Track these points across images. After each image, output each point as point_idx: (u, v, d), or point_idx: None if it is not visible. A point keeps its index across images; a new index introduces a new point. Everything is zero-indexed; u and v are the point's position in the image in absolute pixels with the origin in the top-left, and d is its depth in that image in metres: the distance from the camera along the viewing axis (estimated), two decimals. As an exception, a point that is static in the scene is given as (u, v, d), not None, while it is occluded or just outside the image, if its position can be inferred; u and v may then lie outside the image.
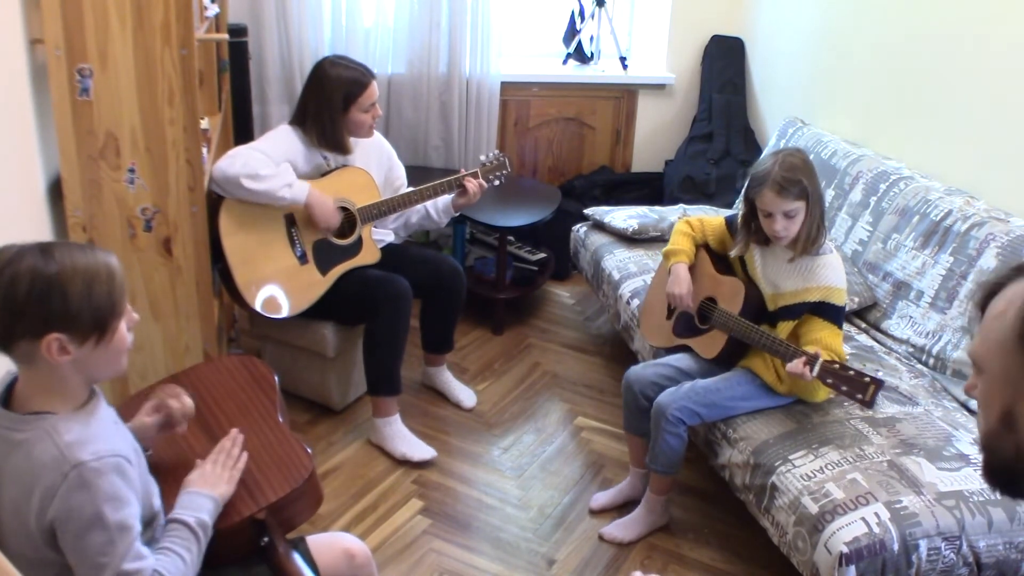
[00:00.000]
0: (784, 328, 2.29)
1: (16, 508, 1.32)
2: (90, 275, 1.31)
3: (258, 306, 2.62)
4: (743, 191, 2.32)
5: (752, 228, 2.34)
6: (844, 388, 2.03)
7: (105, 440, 1.35)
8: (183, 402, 1.62)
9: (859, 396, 2.01)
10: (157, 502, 1.49)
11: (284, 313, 2.66)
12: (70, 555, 1.32)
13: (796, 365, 2.11)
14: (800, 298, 2.27)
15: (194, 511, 1.48)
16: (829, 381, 2.06)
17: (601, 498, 2.61)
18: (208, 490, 1.53)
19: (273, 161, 2.57)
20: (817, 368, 2.07)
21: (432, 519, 2.53)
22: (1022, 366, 0.92)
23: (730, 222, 2.51)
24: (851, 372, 2.03)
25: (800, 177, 2.19)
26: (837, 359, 2.23)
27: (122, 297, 1.36)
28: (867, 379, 2.00)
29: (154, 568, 1.35)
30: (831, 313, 2.25)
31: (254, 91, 3.52)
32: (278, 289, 2.65)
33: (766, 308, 2.35)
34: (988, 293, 0.99)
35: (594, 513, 2.58)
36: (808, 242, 2.25)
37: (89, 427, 1.34)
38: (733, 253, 2.43)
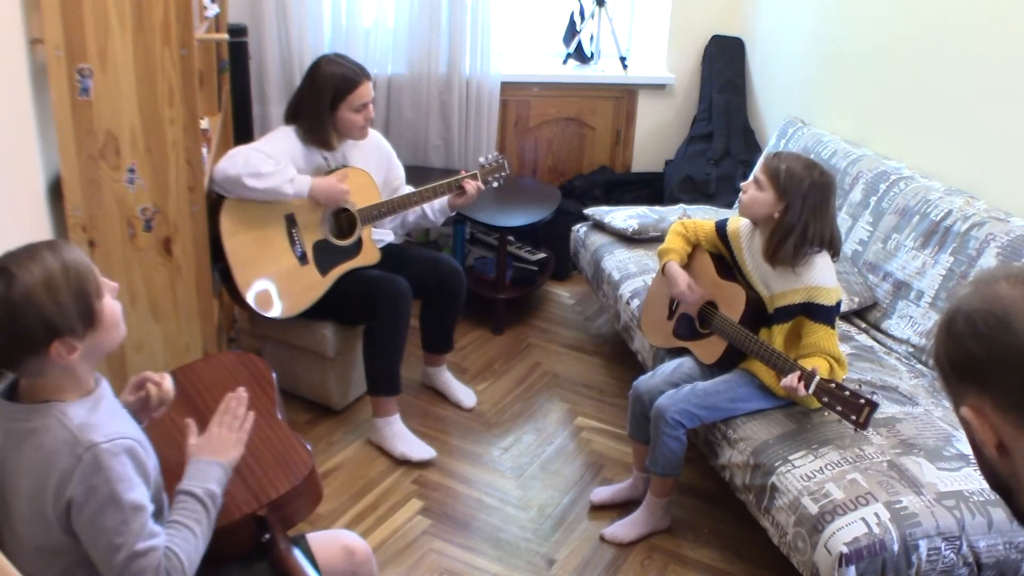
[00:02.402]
0: (779, 331, 2.28)
1: (32, 496, 1.34)
2: (50, 279, 1.29)
3: (257, 306, 2.62)
4: None
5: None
6: (839, 408, 2.02)
7: (115, 423, 1.37)
8: (162, 387, 1.58)
9: (853, 417, 1.99)
10: (163, 493, 1.50)
11: (283, 313, 2.66)
12: (84, 536, 1.33)
13: (791, 380, 2.09)
14: (788, 299, 2.26)
15: (202, 481, 1.48)
16: (825, 400, 2.05)
17: (602, 492, 2.61)
18: (216, 457, 1.52)
19: (273, 159, 2.57)
20: (813, 387, 2.06)
21: (432, 519, 2.54)
22: (951, 392, 0.94)
23: (719, 227, 2.51)
24: (847, 393, 2.01)
25: (783, 166, 2.20)
26: (835, 362, 2.22)
27: (93, 279, 1.35)
28: (862, 401, 1.98)
29: (166, 545, 1.37)
30: (821, 314, 2.23)
31: (254, 91, 3.52)
32: (278, 290, 2.65)
33: (767, 312, 2.34)
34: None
35: (594, 509, 2.59)
36: (773, 251, 2.23)
37: (97, 411, 1.37)
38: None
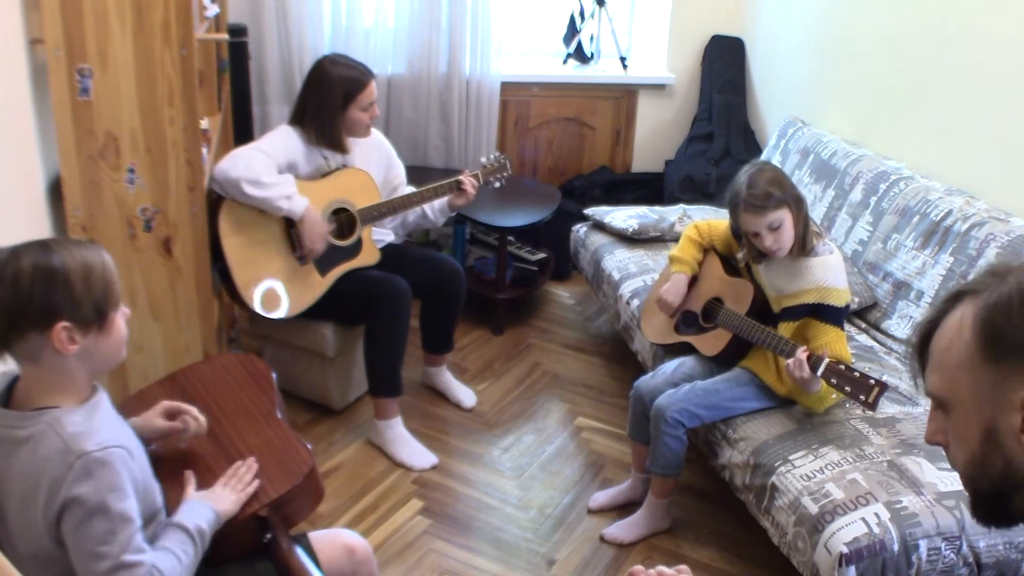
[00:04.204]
0: (785, 329, 2.28)
1: (24, 505, 1.33)
2: (88, 266, 1.35)
3: (257, 306, 2.62)
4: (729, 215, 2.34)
5: (747, 247, 2.36)
6: (848, 389, 2.03)
7: (108, 431, 1.37)
8: (200, 422, 1.65)
9: (862, 397, 2.01)
10: (159, 499, 1.50)
11: (283, 313, 2.66)
12: (71, 545, 1.32)
13: (797, 358, 2.10)
14: (799, 299, 2.27)
15: (194, 519, 1.49)
16: (833, 381, 2.06)
17: (600, 498, 2.61)
18: (211, 503, 1.54)
19: (275, 163, 2.57)
20: (822, 368, 2.07)
21: (432, 519, 2.54)
22: (994, 379, 0.92)
23: (734, 226, 2.51)
24: (856, 373, 2.03)
25: (769, 190, 2.19)
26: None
27: (116, 288, 1.40)
28: (872, 381, 2.00)
29: (153, 563, 1.36)
30: (831, 315, 2.24)
31: (254, 91, 3.52)
32: (277, 289, 2.65)
33: (771, 310, 2.35)
34: (924, 335, 1.00)
35: (593, 513, 2.59)
36: (800, 245, 2.24)
37: (92, 419, 1.36)
38: (740, 255, 2.44)
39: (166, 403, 1.66)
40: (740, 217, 2.25)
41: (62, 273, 1.32)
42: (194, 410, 1.65)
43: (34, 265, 1.30)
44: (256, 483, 1.63)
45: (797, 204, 2.23)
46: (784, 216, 2.21)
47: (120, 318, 1.42)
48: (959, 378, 0.95)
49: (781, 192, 2.20)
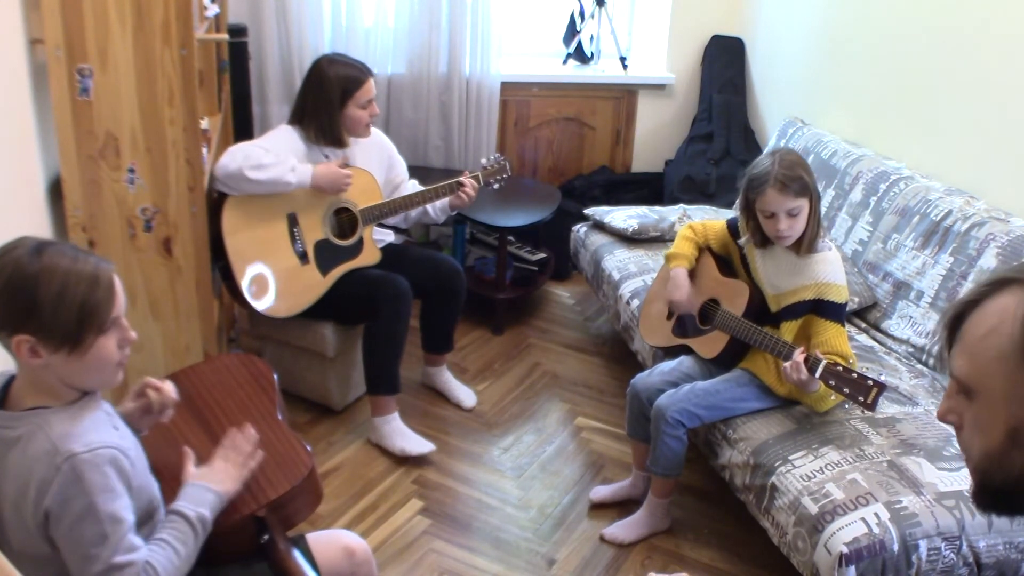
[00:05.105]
0: (788, 328, 2.28)
1: (16, 504, 1.33)
2: (67, 281, 1.28)
3: (245, 287, 2.61)
4: (741, 195, 2.31)
5: (752, 230, 2.35)
6: (846, 390, 2.03)
7: (97, 432, 1.35)
8: (162, 391, 1.58)
9: (861, 399, 2.01)
10: (157, 496, 1.49)
11: (283, 313, 2.66)
12: (62, 547, 1.32)
13: (794, 360, 2.10)
14: (798, 296, 2.27)
15: (196, 504, 1.47)
16: (832, 383, 2.06)
17: (602, 491, 2.62)
18: (213, 485, 1.52)
19: (273, 152, 2.57)
20: (820, 370, 2.07)
21: (432, 519, 2.54)
22: None
23: (731, 225, 2.51)
24: (854, 375, 2.03)
25: (801, 174, 2.19)
26: (844, 362, 2.23)
27: (103, 310, 1.32)
28: (870, 382, 2.00)
29: (146, 560, 1.35)
30: (832, 311, 2.24)
31: (254, 91, 3.52)
32: (278, 288, 2.65)
33: (769, 310, 2.35)
34: (960, 312, 0.95)
35: (594, 508, 2.59)
36: (807, 243, 2.25)
37: (82, 420, 1.35)
38: (742, 241, 2.42)
39: (135, 386, 1.61)
40: (764, 193, 2.19)
41: (31, 286, 1.26)
42: (153, 381, 1.59)
43: (13, 268, 1.27)
44: (260, 454, 1.61)
45: (816, 199, 2.24)
46: (805, 205, 2.21)
47: (111, 343, 1.35)
48: (993, 370, 0.90)
49: (809, 180, 2.21)
